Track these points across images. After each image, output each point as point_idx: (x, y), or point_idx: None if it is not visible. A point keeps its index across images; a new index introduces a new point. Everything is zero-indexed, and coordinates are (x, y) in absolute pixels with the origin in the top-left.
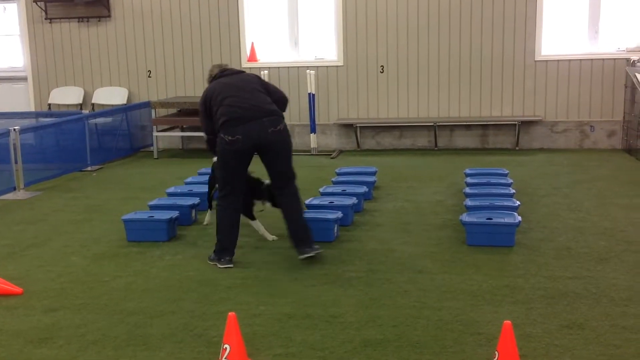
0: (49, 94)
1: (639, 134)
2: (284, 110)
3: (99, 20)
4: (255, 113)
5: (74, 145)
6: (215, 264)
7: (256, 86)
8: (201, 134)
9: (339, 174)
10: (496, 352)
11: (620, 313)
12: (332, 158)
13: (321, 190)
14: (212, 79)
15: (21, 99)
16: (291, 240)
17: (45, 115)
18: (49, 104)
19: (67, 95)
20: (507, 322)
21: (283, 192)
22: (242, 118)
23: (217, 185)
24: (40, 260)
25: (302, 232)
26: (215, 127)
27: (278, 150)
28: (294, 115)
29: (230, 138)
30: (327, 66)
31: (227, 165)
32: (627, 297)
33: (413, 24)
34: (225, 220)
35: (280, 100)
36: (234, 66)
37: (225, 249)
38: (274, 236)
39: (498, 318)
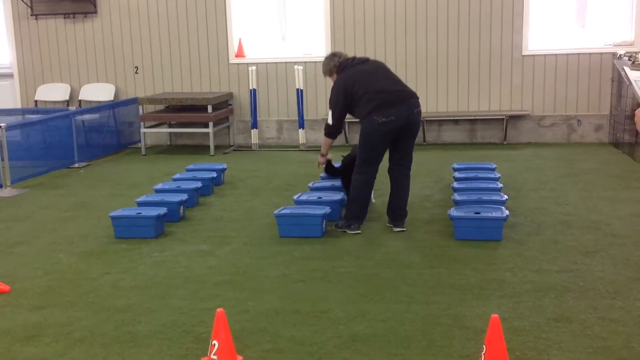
0: (35, 91)
1: (626, 128)
2: None
3: (85, 16)
4: (404, 95)
5: (61, 142)
6: (345, 231)
7: (392, 72)
8: (189, 129)
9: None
10: (484, 346)
11: (607, 306)
12: None
13: (310, 185)
14: (341, 68)
15: (7, 96)
16: (389, 214)
17: (32, 112)
18: (36, 101)
19: (53, 92)
20: (495, 315)
21: (401, 167)
22: (394, 101)
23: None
24: (27, 258)
25: (402, 212)
26: (360, 112)
27: (414, 130)
28: (282, 111)
29: (384, 119)
30: (315, 62)
31: (375, 143)
32: (614, 290)
33: (401, 19)
34: (362, 191)
35: None
36: (222, 62)
37: (357, 217)
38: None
39: (486, 312)
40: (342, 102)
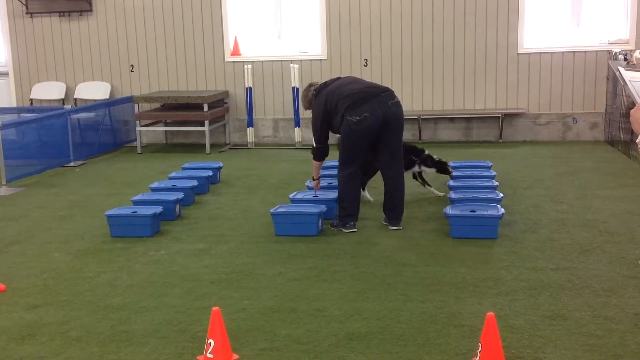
0: (30, 89)
1: (621, 126)
2: None
3: (81, 15)
4: (373, 91)
5: (56, 140)
6: (340, 229)
7: (362, 79)
8: (185, 128)
9: (323, 168)
10: (480, 344)
11: (602, 303)
12: None
13: (307, 183)
14: (317, 94)
15: (3, 95)
16: (385, 212)
17: (28, 110)
18: (31, 100)
19: (49, 91)
20: (491, 313)
21: (392, 165)
22: (363, 99)
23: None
24: (23, 257)
25: (398, 210)
26: (337, 122)
27: (396, 124)
28: (278, 109)
29: (357, 118)
30: (311, 60)
31: (351, 145)
32: (609, 288)
33: (396, 17)
34: (350, 188)
35: None
36: (218, 60)
37: (350, 214)
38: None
39: (481, 310)
40: (320, 123)
